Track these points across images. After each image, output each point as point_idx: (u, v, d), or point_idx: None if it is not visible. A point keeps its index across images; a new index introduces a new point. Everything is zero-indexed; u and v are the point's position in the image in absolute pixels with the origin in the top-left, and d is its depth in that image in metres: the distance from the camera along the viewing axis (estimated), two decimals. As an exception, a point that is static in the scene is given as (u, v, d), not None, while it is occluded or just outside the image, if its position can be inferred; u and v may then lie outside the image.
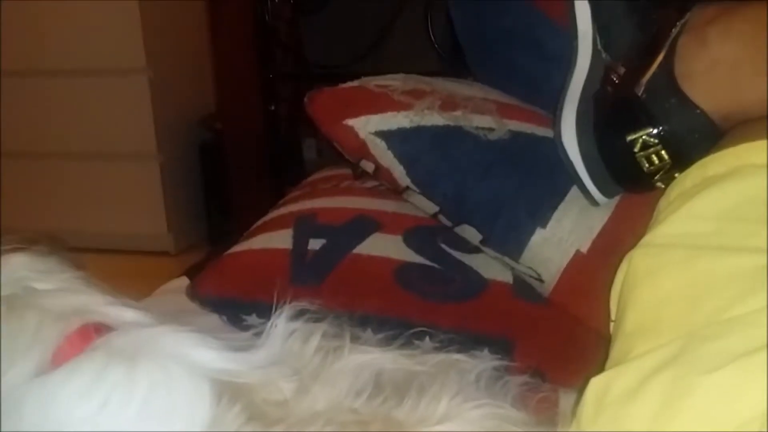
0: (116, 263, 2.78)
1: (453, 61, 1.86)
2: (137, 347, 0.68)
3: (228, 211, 2.75)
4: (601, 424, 0.63)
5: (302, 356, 0.73)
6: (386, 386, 0.70)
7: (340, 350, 0.73)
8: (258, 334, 0.75)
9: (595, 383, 0.65)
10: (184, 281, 1.25)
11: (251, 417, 0.66)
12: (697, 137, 0.89)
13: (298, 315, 0.75)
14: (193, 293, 1.10)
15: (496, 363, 0.77)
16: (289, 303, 0.75)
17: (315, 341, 0.74)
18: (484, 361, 0.77)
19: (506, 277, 1.09)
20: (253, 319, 1.04)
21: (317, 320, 0.76)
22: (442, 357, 0.77)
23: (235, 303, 1.06)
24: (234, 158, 2.72)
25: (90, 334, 0.69)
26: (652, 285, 0.70)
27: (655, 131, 0.92)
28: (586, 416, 0.65)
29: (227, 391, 0.67)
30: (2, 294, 0.71)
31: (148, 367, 0.66)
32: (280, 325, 0.74)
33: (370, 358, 0.72)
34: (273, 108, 2.53)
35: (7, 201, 3.00)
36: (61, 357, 0.67)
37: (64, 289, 0.73)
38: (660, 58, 0.93)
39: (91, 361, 0.66)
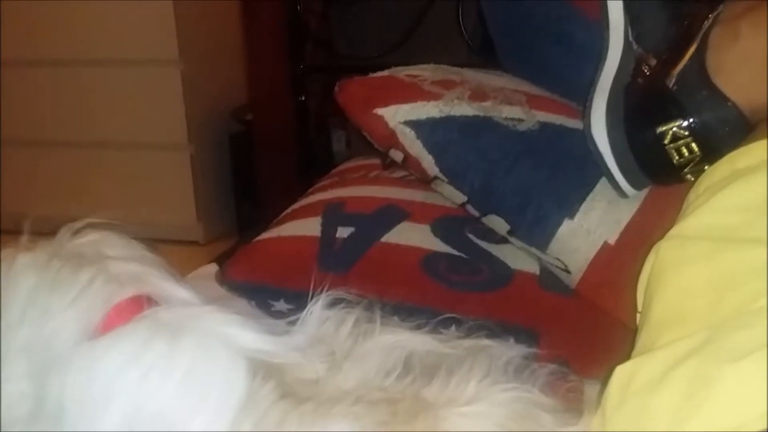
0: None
1: (483, 53, 1.85)
2: (181, 323, 0.69)
3: (257, 202, 2.76)
4: (626, 412, 0.63)
5: (336, 340, 0.74)
6: (416, 367, 0.71)
7: (371, 332, 0.74)
8: (291, 322, 0.76)
9: (621, 372, 0.65)
10: (213, 268, 1.26)
11: (283, 395, 0.67)
12: (728, 130, 0.89)
13: (333, 303, 0.76)
14: (222, 278, 1.12)
15: (525, 351, 0.78)
16: (325, 292, 0.76)
17: (348, 326, 0.74)
18: (513, 349, 0.77)
19: (533, 268, 1.10)
20: (280, 304, 1.05)
21: (351, 308, 0.77)
22: (472, 342, 0.77)
23: (264, 288, 1.07)
24: (264, 150, 2.73)
25: (139, 305, 0.71)
26: (679, 276, 0.70)
27: (685, 123, 0.92)
28: (610, 404, 0.65)
29: (261, 369, 0.68)
30: (76, 251, 0.74)
31: (190, 343, 0.68)
32: (316, 312, 0.75)
33: (400, 339, 0.73)
34: (303, 99, 2.54)
35: (39, 188, 3.04)
36: (108, 324, 0.69)
37: (130, 259, 0.75)
38: (692, 50, 0.93)
39: (137, 332, 0.68)
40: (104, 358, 0.67)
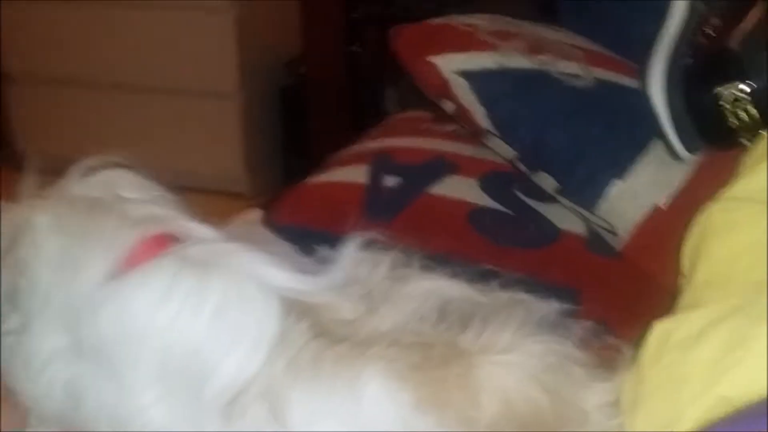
0: (190, 201, 2.82)
1: (543, 10, 1.83)
2: (210, 259, 0.70)
3: (306, 157, 2.76)
4: (662, 366, 0.62)
5: (370, 281, 0.74)
6: (451, 314, 0.71)
7: (408, 277, 0.74)
8: (325, 261, 0.76)
9: (660, 327, 0.65)
10: (258, 213, 1.27)
11: (318, 334, 0.68)
12: (789, 95, 0.87)
13: (368, 245, 0.76)
14: (268, 220, 1.12)
15: (563, 307, 0.77)
16: (361, 234, 0.76)
17: (384, 268, 0.74)
18: (549, 305, 0.77)
19: (580, 229, 1.09)
20: (324, 249, 1.05)
21: (386, 251, 0.76)
22: (509, 295, 0.77)
23: (309, 232, 1.07)
24: (316, 103, 2.73)
25: (164, 242, 0.71)
26: (727, 237, 0.69)
27: (746, 86, 0.90)
28: (647, 358, 0.64)
29: (296, 309, 0.69)
30: (91, 195, 0.74)
31: (219, 280, 0.68)
32: (350, 252, 0.75)
33: (437, 285, 0.73)
34: (357, 51, 2.52)
35: (87, 132, 3.07)
36: (134, 260, 0.69)
37: (149, 201, 0.76)
38: (758, 12, 0.91)
39: (163, 269, 0.68)
40: (134, 299, 0.67)
